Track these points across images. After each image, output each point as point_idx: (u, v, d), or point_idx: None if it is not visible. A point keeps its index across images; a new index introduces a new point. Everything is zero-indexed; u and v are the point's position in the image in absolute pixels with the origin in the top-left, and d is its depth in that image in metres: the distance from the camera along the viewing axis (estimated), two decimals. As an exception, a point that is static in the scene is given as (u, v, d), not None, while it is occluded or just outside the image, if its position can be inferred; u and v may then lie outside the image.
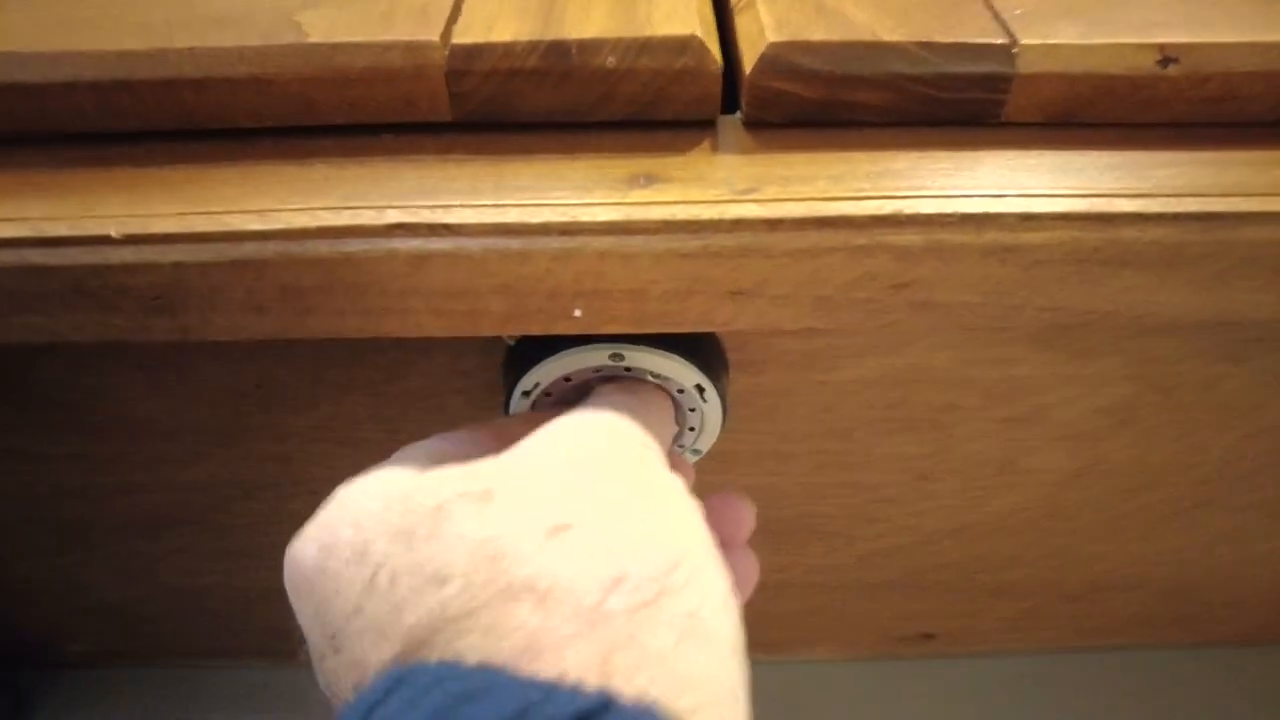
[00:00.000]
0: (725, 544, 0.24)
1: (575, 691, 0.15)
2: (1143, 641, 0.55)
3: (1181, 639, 0.55)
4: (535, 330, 0.24)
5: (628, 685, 0.15)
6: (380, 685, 0.15)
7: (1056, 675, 0.55)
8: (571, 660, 0.15)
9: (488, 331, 0.24)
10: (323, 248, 0.22)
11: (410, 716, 0.14)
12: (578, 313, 0.23)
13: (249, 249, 0.22)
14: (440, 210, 0.22)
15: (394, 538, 0.17)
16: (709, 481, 0.39)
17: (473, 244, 0.22)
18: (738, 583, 0.21)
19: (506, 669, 0.15)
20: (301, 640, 0.19)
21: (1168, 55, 0.24)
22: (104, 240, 0.22)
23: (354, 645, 0.17)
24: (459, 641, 0.16)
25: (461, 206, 0.22)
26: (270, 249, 0.22)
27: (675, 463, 0.26)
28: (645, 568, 0.17)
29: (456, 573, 0.16)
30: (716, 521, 0.24)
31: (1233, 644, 0.56)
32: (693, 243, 0.22)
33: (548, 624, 0.16)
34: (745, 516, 0.27)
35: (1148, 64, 0.24)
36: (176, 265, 0.23)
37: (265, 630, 0.50)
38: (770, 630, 0.53)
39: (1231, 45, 0.24)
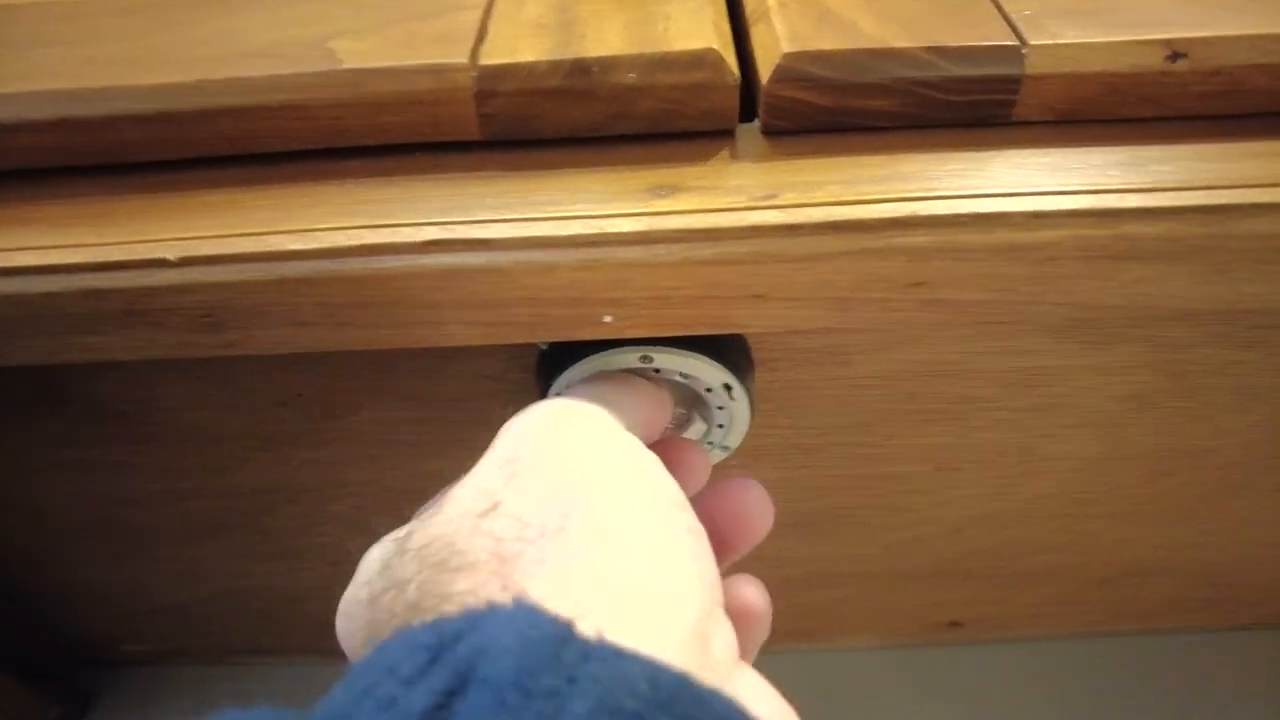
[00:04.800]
0: (726, 547, 0.24)
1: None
2: (1173, 625, 0.55)
3: (1212, 622, 0.55)
4: (561, 337, 0.25)
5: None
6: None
7: (1086, 660, 0.55)
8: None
9: (515, 340, 0.25)
10: (358, 265, 0.23)
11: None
12: (608, 319, 0.24)
13: (290, 268, 0.23)
14: (476, 226, 0.23)
15: None
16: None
17: (503, 257, 0.23)
18: (734, 608, 0.21)
19: None
20: None
21: (1176, 50, 0.24)
22: (158, 264, 0.24)
23: None
24: None
25: (493, 221, 0.23)
26: (310, 267, 0.23)
27: (674, 445, 0.26)
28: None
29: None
30: (719, 509, 0.24)
31: (1264, 626, 0.55)
32: (712, 250, 0.23)
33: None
34: (752, 512, 0.24)
35: (1155, 60, 0.24)
36: (223, 285, 0.24)
37: (311, 627, 0.51)
38: (801, 619, 0.54)
39: (1238, 38, 0.24)
